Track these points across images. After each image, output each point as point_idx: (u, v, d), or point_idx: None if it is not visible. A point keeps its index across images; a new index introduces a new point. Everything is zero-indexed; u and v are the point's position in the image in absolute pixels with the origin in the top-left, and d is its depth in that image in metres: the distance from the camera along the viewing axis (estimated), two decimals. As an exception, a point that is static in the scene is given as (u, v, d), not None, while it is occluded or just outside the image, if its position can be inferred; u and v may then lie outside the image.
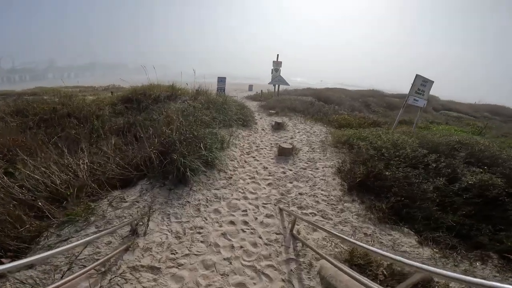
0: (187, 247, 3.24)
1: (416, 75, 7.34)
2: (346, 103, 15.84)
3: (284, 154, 6.33)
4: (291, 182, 5.20)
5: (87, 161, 4.87)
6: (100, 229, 3.34)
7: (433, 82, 7.79)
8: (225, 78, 13.83)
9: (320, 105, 12.83)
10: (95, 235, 2.58)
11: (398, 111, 20.47)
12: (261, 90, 18.74)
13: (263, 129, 8.80)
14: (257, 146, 7.03)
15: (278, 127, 8.78)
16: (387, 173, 4.76)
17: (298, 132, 8.70)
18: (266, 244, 3.46)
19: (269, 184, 5.08)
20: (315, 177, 5.46)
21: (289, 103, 12.61)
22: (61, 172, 4.45)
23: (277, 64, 15.09)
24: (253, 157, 6.30)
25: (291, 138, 8.01)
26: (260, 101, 15.94)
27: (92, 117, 8.84)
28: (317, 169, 5.85)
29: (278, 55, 15.13)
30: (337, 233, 2.59)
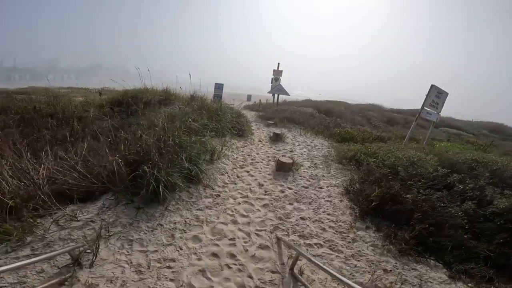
0: (149, 287, 2.42)
1: (432, 85, 6.69)
2: (347, 116, 15.24)
3: (283, 169, 5.54)
4: (291, 204, 4.40)
5: (49, 166, 4.06)
6: (36, 252, 2.53)
7: (448, 94, 7.17)
8: (222, 84, 13.19)
9: (321, 117, 12.17)
10: (24, 261, 1.96)
11: (398, 127, 19.99)
12: (259, 100, 18.12)
13: (260, 140, 8.05)
14: (252, 159, 6.25)
15: (276, 138, 8.03)
16: (408, 195, 4.00)
17: (298, 145, 7.95)
18: (258, 287, 2.65)
19: (264, 206, 4.27)
20: (319, 198, 4.67)
21: (289, 114, 11.93)
22: (14, 178, 3.65)
23: (277, 73, 14.54)
24: (247, 172, 5.51)
25: (291, 151, 7.25)
26: (258, 111, 15.27)
27: (72, 119, 8.08)
28: (321, 188, 5.06)
29: (278, 63, 14.61)
30: (345, 280, 1.83)
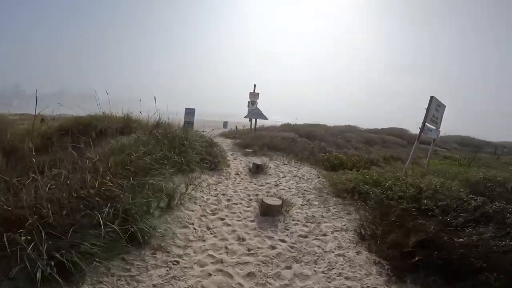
0: None
1: (431, 97, 5.86)
2: (329, 139, 14.45)
3: (270, 213, 4.16)
4: (288, 267, 2.99)
5: None
6: None
7: (445, 107, 6.41)
8: (193, 109, 11.90)
9: (304, 141, 11.14)
10: None
11: (378, 146, 19.61)
12: (236, 126, 16.98)
13: (238, 173, 6.66)
14: (228, 200, 4.82)
15: (257, 170, 6.70)
16: (460, 239, 2.80)
17: (284, 177, 6.66)
18: None
19: (249, 275, 2.83)
20: (326, 252, 3.31)
21: (268, 140, 10.77)
22: None
23: (253, 96, 13.57)
24: (222, 220, 4.06)
25: (276, 185, 5.92)
26: (235, 138, 14.03)
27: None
28: (325, 235, 3.72)
29: (255, 85, 13.71)
30: None
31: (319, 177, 6.83)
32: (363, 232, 3.66)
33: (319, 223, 4.08)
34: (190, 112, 11.76)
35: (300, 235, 3.70)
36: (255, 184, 5.86)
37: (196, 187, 4.93)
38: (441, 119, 6.36)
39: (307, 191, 5.60)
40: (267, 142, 10.53)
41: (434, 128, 6.24)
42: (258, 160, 7.85)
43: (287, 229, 3.86)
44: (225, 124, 28.48)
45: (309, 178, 6.65)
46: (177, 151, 5.31)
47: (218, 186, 5.45)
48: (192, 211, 4.16)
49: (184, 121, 11.70)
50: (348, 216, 4.31)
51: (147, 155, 4.32)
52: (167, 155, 4.84)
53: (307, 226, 3.97)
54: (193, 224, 3.78)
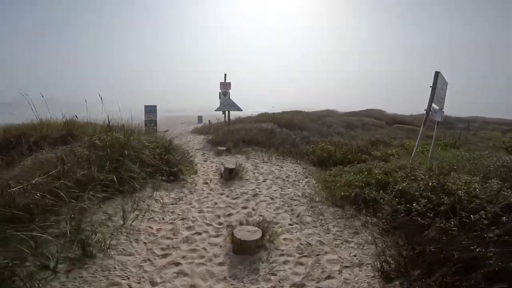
0: None
1: (436, 72, 4.75)
2: (310, 126, 13.34)
3: (247, 251, 2.85)
4: None
5: None
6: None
7: (447, 84, 5.38)
8: (155, 106, 10.21)
9: (284, 132, 9.88)
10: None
11: (358, 130, 18.90)
12: (209, 121, 15.42)
13: (207, 182, 5.28)
14: (189, 228, 3.44)
15: (230, 176, 5.33)
16: None
17: (264, 181, 5.35)
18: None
19: None
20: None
21: (244, 133, 9.39)
22: None
23: (225, 86, 12.02)
24: (176, 265, 2.70)
25: (255, 195, 4.59)
26: (208, 134, 12.54)
27: None
28: (331, 277, 2.49)
29: (225, 74, 12.14)
30: None
31: (307, 177, 5.62)
32: (385, 268, 2.48)
33: (318, 255, 2.84)
34: (151, 110, 10.06)
35: (293, 285, 2.45)
36: (228, 197, 4.50)
37: (143, 214, 3.52)
38: (444, 99, 5.34)
39: (295, 200, 4.35)
40: (242, 136, 9.17)
41: (438, 109, 5.20)
42: (231, 162, 6.50)
43: (274, 274, 2.59)
44: (199, 118, 26.67)
45: (295, 180, 5.41)
46: (112, 166, 3.80)
47: (178, 206, 4.04)
48: (131, 255, 2.77)
49: (145, 120, 10.02)
50: (356, 238, 3.12)
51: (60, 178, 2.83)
52: (92, 174, 3.34)
53: (302, 264, 2.72)
54: (127, 279, 2.41)
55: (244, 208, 4.06)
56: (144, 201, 3.90)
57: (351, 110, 29.58)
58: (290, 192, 4.68)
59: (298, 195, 4.52)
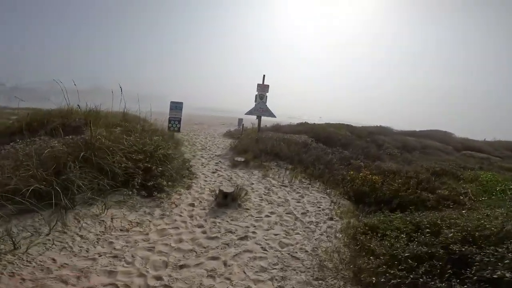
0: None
1: None
2: (356, 144, 11.28)
3: None
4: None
5: None
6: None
7: None
8: (181, 103, 9.44)
9: (319, 148, 8.21)
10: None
11: (417, 154, 15.82)
12: (242, 125, 14.41)
13: (193, 204, 4.03)
14: (108, 273, 2.22)
15: (224, 202, 3.99)
16: None
17: (268, 216, 3.86)
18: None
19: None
20: None
21: (271, 144, 8.02)
22: None
23: (262, 89, 10.73)
24: None
25: (243, 238, 3.08)
26: (239, 139, 11.51)
27: None
28: None
29: (264, 75, 10.88)
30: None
31: (332, 218, 3.99)
32: None
33: None
34: (176, 106, 9.30)
35: None
36: (204, 233, 3.15)
37: (60, 239, 2.44)
38: None
39: (297, 259, 2.79)
40: (269, 147, 7.81)
41: None
42: (241, 179, 5.20)
43: None
44: (239, 121, 25.97)
45: (312, 221, 3.83)
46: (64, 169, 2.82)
47: (126, 236, 2.87)
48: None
49: (169, 117, 9.33)
50: None
51: None
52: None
53: None
54: None
55: (214, 259, 2.67)
56: (79, 221, 2.84)
57: (409, 129, 25.80)
58: (296, 243, 3.13)
59: (306, 251, 2.97)
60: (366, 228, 3.41)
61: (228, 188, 4.13)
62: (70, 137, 4.06)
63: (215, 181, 5.34)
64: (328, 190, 5.46)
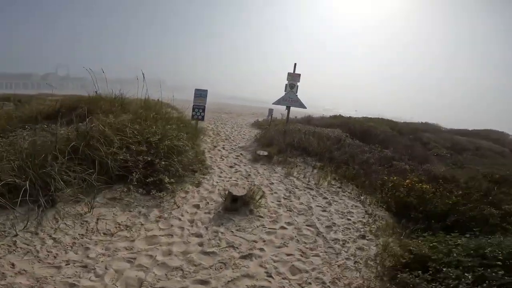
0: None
1: None
2: (398, 142, 9.91)
3: None
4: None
5: None
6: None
7: None
8: (205, 91, 8.95)
9: (355, 145, 7.19)
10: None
11: (469, 155, 13.65)
12: (271, 115, 13.65)
13: (199, 206, 3.49)
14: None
15: (233, 206, 3.36)
16: None
17: (283, 228, 3.14)
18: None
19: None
20: None
21: (299, 137, 7.21)
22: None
23: (293, 78, 9.84)
24: None
25: (246, 257, 2.44)
26: (267, 129, 10.86)
27: None
28: None
29: (295, 64, 9.97)
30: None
31: (364, 236, 3.17)
32: None
33: None
34: (201, 94, 8.83)
35: None
36: (201, 246, 2.53)
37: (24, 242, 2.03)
38: None
39: None
40: (296, 141, 7.02)
41: None
42: (261, 176, 4.56)
43: None
44: (270, 111, 25.16)
45: (338, 239, 3.04)
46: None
47: (109, 241, 2.41)
48: None
49: (193, 105, 8.93)
50: None
51: None
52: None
53: None
54: None
55: (201, 283, 2.08)
56: (57, 221, 2.43)
57: (458, 127, 22.87)
58: (313, 269, 2.41)
59: (323, 283, 2.25)
60: (411, 256, 2.59)
61: (239, 190, 3.50)
62: (79, 124, 3.76)
63: (231, 178, 4.77)
64: (362, 197, 4.59)
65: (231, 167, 5.48)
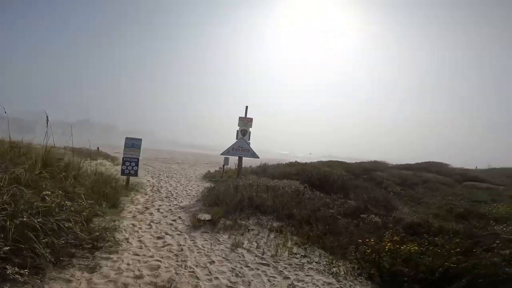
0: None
1: None
2: (354, 185, 9.36)
3: None
4: None
5: None
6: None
7: None
8: (139, 140, 7.56)
9: (316, 198, 6.27)
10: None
11: (419, 188, 13.87)
12: (223, 165, 12.52)
13: None
14: None
15: None
16: None
17: None
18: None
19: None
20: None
21: (251, 193, 6.06)
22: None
23: (245, 123, 9.12)
24: None
25: None
26: (220, 181, 9.57)
27: None
28: None
29: (246, 107, 9.35)
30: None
31: None
32: None
33: None
34: (133, 144, 7.41)
35: None
36: None
37: None
38: None
39: None
40: (246, 199, 5.84)
41: None
42: (181, 260, 3.20)
43: None
44: (226, 160, 24.08)
45: None
46: None
47: None
48: None
49: (124, 158, 7.41)
50: None
51: None
52: None
53: None
54: None
55: None
56: None
57: (400, 162, 24.28)
58: None
59: None
60: None
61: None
62: None
63: (153, 256, 3.31)
64: (334, 268, 3.47)
65: (159, 238, 4.01)
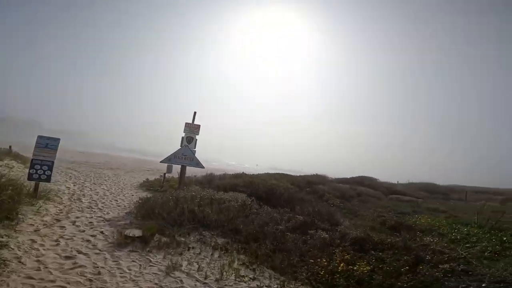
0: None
1: None
2: (300, 199, 9.43)
3: None
4: None
5: None
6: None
7: None
8: (57, 140, 6.21)
9: (264, 213, 5.91)
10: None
11: (354, 201, 15.02)
12: (164, 174, 11.41)
13: None
14: None
15: None
16: None
17: None
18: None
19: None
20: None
21: (193, 206, 5.39)
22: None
23: (191, 130, 8.34)
24: None
25: None
26: (160, 191, 8.49)
27: None
28: None
29: (195, 113, 8.61)
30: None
31: None
32: None
33: None
34: (48, 145, 6.00)
35: None
36: None
37: None
38: None
39: None
40: (187, 212, 5.15)
41: None
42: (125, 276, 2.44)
43: None
44: (169, 168, 22.36)
45: None
46: None
47: None
48: None
49: (33, 160, 5.96)
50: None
51: None
52: None
53: None
54: None
55: None
56: None
57: (336, 175, 26.05)
58: None
59: None
60: None
61: None
62: None
63: (53, 282, 2.50)
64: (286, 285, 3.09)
65: (68, 258, 3.09)
